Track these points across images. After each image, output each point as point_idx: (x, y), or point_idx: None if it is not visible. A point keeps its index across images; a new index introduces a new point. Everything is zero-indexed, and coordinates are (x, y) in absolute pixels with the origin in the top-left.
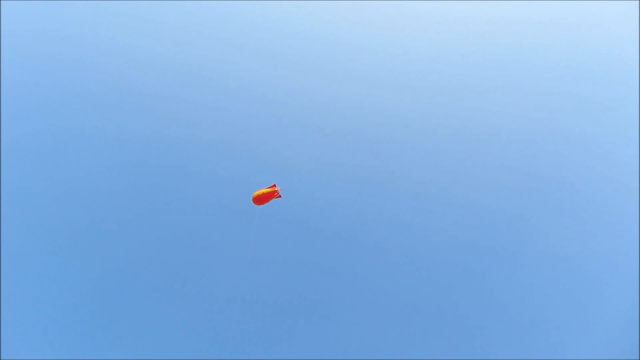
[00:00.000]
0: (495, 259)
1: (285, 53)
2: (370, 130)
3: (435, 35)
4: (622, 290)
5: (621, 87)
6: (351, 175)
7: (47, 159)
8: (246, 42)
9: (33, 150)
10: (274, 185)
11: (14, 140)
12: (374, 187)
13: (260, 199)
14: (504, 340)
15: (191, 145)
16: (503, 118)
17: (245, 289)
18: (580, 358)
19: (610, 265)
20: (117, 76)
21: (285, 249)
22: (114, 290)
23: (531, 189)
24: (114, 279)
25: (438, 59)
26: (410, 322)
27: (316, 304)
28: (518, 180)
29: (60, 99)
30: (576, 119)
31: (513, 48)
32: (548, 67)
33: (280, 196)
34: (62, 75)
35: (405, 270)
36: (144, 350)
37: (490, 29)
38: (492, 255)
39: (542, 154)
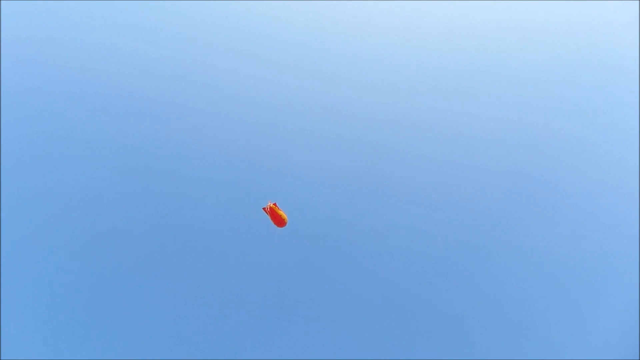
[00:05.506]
0: (495, 261)
1: (282, 55)
2: (362, 132)
3: (429, 37)
4: (622, 290)
5: (621, 88)
6: (343, 176)
7: (47, 162)
8: (245, 44)
9: (32, 152)
10: (266, 209)
11: (13, 143)
12: (366, 189)
13: (278, 222)
14: (504, 341)
15: (183, 147)
16: (500, 121)
17: (242, 289)
18: (580, 358)
19: (610, 265)
20: (117, 79)
21: (283, 249)
22: (115, 290)
23: (530, 192)
24: (114, 280)
25: (432, 61)
26: (407, 323)
27: (314, 304)
28: (517, 182)
29: (59, 101)
30: (575, 121)
31: (508, 48)
32: (545, 68)
33: (273, 203)
34: (62, 78)
35: (402, 272)
36: (144, 350)
37: (484, 30)
38: (492, 257)
39: (542, 157)
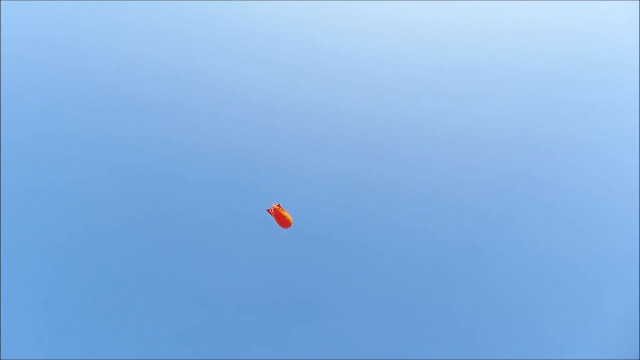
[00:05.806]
0: (494, 261)
1: (283, 56)
2: (364, 132)
3: (429, 37)
4: (622, 290)
5: (621, 88)
6: (347, 177)
7: (47, 162)
8: (245, 44)
9: (32, 152)
10: (270, 211)
11: (13, 143)
12: (369, 189)
13: (283, 223)
14: (503, 341)
15: (184, 148)
16: (500, 121)
17: (246, 290)
18: (580, 358)
19: (610, 265)
20: (117, 79)
21: (288, 250)
22: (115, 290)
23: (530, 192)
24: (114, 280)
25: (432, 61)
26: (408, 323)
27: (319, 305)
28: (517, 183)
29: (59, 101)
30: (575, 121)
31: (507, 48)
32: (544, 68)
33: (277, 205)
34: (62, 78)
35: (403, 272)
36: (144, 351)
37: (483, 30)
38: (491, 257)
39: (542, 158)
